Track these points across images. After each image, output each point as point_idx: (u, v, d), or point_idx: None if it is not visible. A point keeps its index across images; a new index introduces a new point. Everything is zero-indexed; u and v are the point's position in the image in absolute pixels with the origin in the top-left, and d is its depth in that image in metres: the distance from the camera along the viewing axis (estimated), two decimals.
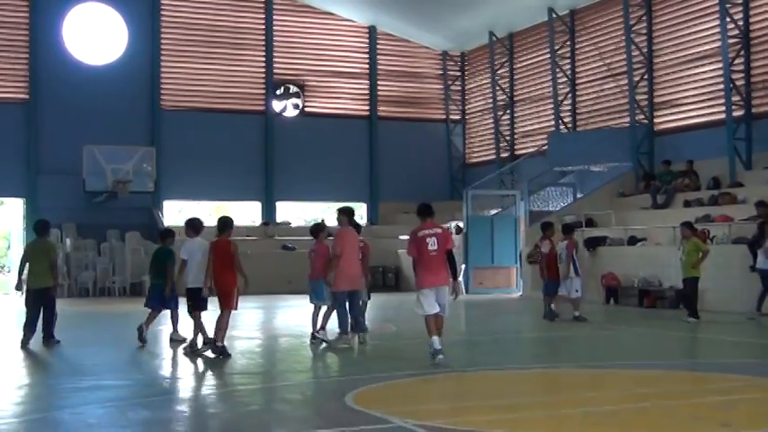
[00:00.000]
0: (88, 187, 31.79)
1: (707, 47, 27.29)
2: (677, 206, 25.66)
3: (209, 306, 13.99)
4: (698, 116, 27.76)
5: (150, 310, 15.25)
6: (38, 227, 15.91)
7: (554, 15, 32.55)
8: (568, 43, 32.74)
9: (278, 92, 36.16)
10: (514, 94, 36.05)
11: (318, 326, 15.16)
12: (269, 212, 35.91)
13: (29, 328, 15.13)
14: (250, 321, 13.89)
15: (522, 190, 30.60)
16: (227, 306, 13.42)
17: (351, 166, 37.06)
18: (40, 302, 15.19)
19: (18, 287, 16.83)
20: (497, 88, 36.26)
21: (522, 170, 33.52)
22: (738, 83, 26.03)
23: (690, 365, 13.22)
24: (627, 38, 29.28)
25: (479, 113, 38.34)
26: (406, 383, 11.16)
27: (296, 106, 36.43)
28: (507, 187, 33.94)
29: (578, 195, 30.59)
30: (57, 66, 32.99)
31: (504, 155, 36.06)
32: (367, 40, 37.87)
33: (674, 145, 28.18)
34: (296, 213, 37.32)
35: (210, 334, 13.61)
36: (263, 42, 36.14)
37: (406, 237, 14.07)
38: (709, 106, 27.34)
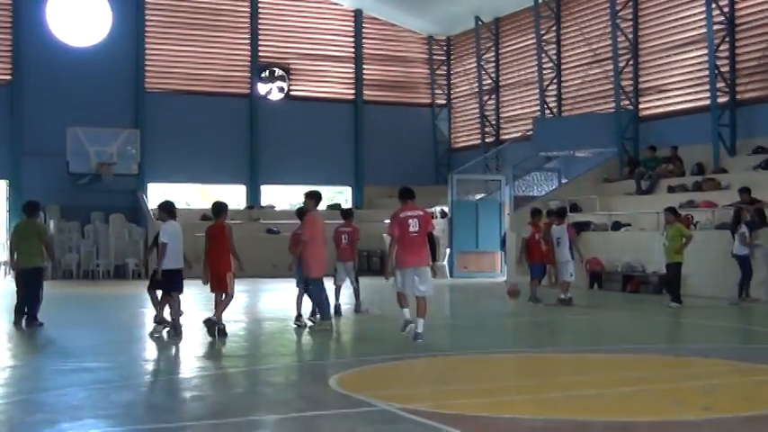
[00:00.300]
0: (72, 169, 31.66)
1: (692, 33, 27.34)
2: (661, 192, 25.76)
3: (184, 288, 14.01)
4: (683, 102, 27.84)
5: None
6: (27, 208, 15.96)
7: (540, 0, 32.52)
8: (554, 28, 32.73)
9: (263, 75, 36.03)
10: (500, 78, 36.04)
11: (310, 312, 15.06)
12: (254, 196, 35.84)
13: (21, 309, 15.22)
14: (234, 305, 13.93)
15: (507, 175, 30.67)
16: (222, 290, 13.57)
17: (336, 150, 36.99)
18: (31, 282, 15.22)
19: (13, 267, 16.83)
20: (483, 73, 36.23)
21: (507, 155, 33.56)
22: (723, 69, 26.09)
23: (672, 350, 13.29)
24: (612, 23, 29.29)
25: (465, 98, 38.31)
26: (390, 367, 11.18)
27: (281, 89, 36.32)
28: (492, 172, 33.99)
29: (563, 180, 30.68)
30: (40, 47, 32.74)
31: (490, 140, 36.07)
32: (353, 24, 37.75)
33: (659, 131, 28.25)
34: (280, 197, 37.24)
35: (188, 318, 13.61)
36: (248, 25, 35.98)
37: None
38: (694, 92, 27.42)
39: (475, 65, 36.73)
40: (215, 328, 13.37)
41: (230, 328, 13.67)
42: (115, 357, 12.08)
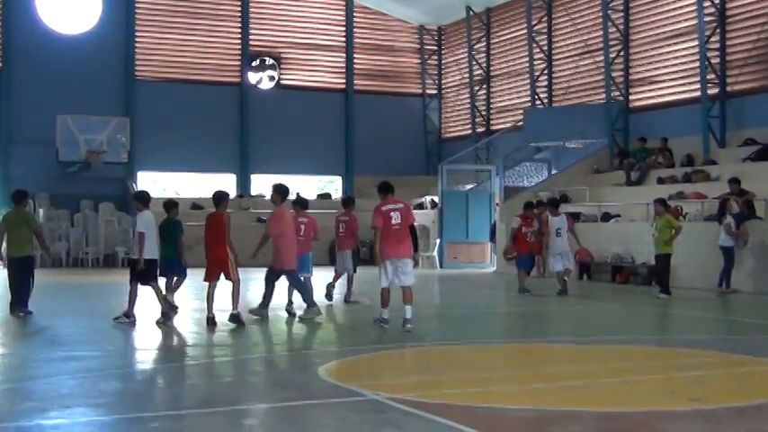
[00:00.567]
0: (61, 157, 31.58)
1: (683, 24, 27.37)
2: (651, 183, 25.80)
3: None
4: (673, 94, 27.88)
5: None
6: (15, 196, 15.92)
7: None
8: (545, 19, 32.73)
9: (254, 64, 35.94)
10: (491, 69, 36.03)
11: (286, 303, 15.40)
12: (244, 185, 35.79)
13: (15, 298, 15.24)
14: (224, 293, 13.91)
15: (498, 165, 30.66)
16: (226, 278, 13.88)
17: (326, 140, 36.95)
18: (22, 271, 15.21)
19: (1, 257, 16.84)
20: (474, 63, 36.21)
21: (497, 145, 33.56)
22: (714, 61, 26.13)
23: (661, 341, 13.33)
24: (604, 14, 29.30)
25: (456, 88, 38.30)
26: (378, 356, 11.21)
27: (272, 78, 36.23)
28: (482, 162, 33.99)
29: (553, 171, 30.68)
30: (30, 35, 32.56)
31: (480, 130, 36.08)
32: (344, 13, 37.67)
33: (649, 122, 28.29)
34: (271, 186, 37.14)
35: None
36: (239, 13, 35.87)
37: None
38: (684, 84, 27.45)
39: (466, 55, 36.70)
40: (238, 317, 13.63)
41: (219, 318, 13.68)
42: (104, 346, 12.06)
